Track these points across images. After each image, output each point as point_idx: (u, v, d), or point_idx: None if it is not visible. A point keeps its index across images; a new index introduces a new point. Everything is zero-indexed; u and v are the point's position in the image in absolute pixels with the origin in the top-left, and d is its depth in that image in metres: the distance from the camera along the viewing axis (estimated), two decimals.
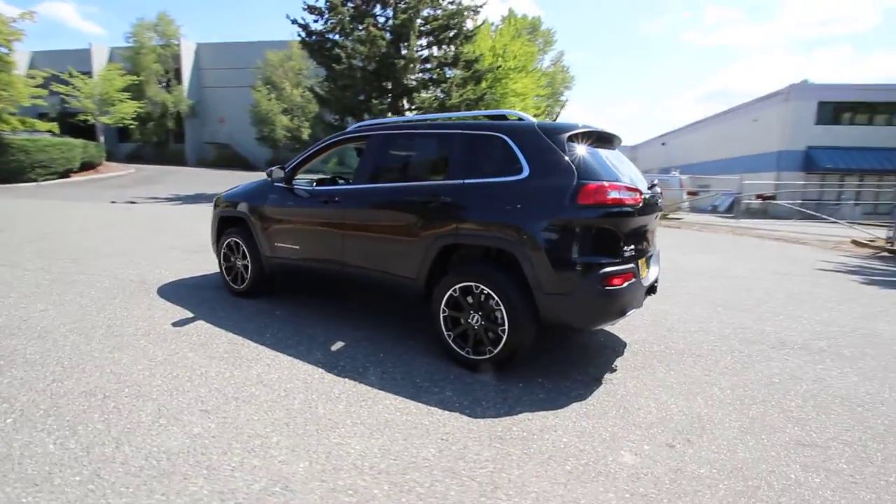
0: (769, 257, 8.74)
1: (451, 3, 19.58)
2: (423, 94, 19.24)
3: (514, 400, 2.65)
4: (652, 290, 3.25)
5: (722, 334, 3.98)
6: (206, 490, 1.83)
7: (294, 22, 18.42)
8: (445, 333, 3.07)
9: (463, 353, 3.00)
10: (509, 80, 23.74)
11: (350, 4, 18.54)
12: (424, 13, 18.84)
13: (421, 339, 3.54)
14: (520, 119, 3.11)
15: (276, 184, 4.11)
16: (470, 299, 2.95)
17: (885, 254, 10.08)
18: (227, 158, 31.42)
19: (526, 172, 2.82)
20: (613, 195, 2.65)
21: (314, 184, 4.32)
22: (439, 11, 18.98)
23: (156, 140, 31.71)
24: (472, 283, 2.91)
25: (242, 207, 4.35)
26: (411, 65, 18.31)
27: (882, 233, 11.56)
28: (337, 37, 18.91)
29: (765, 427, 2.49)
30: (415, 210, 3.19)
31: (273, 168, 4.01)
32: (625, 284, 2.70)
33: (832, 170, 20.88)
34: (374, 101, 19.66)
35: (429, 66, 19.31)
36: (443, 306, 3.05)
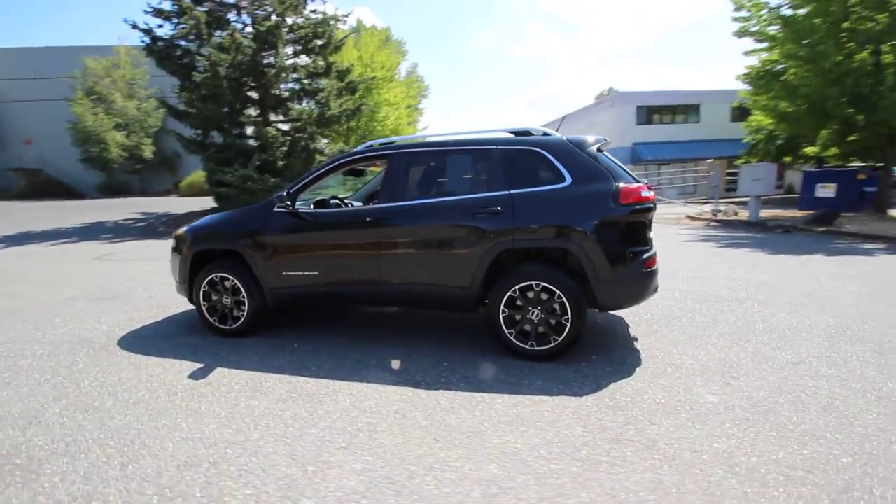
0: None
1: (314, 11, 19.11)
2: (298, 106, 18.49)
3: (594, 378, 3.05)
4: None
5: (676, 297, 4.94)
6: None
7: (134, 27, 16.11)
8: (507, 332, 3.33)
9: (527, 346, 3.30)
10: (381, 90, 24.06)
11: (201, 8, 16.89)
12: (290, 21, 18.09)
13: (463, 343, 3.73)
14: (545, 134, 3.53)
15: (277, 209, 3.85)
16: (530, 296, 3.26)
17: (714, 223, 12.98)
18: (41, 186, 25.81)
19: (569, 180, 3.24)
20: (644, 194, 3.23)
21: (311, 206, 4.16)
22: (302, 20, 18.39)
23: None
24: (533, 282, 3.23)
25: (232, 239, 3.96)
26: (283, 73, 17.44)
27: (706, 207, 14.81)
28: (191, 43, 17.10)
29: (766, 358, 3.31)
30: (465, 221, 3.37)
31: (281, 193, 3.75)
32: (656, 266, 3.31)
33: (652, 161, 25.81)
34: (243, 113, 18.29)
35: (299, 76, 18.57)
36: (502, 307, 3.31)
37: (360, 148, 3.92)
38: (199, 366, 3.43)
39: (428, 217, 3.48)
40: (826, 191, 14.14)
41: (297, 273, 3.78)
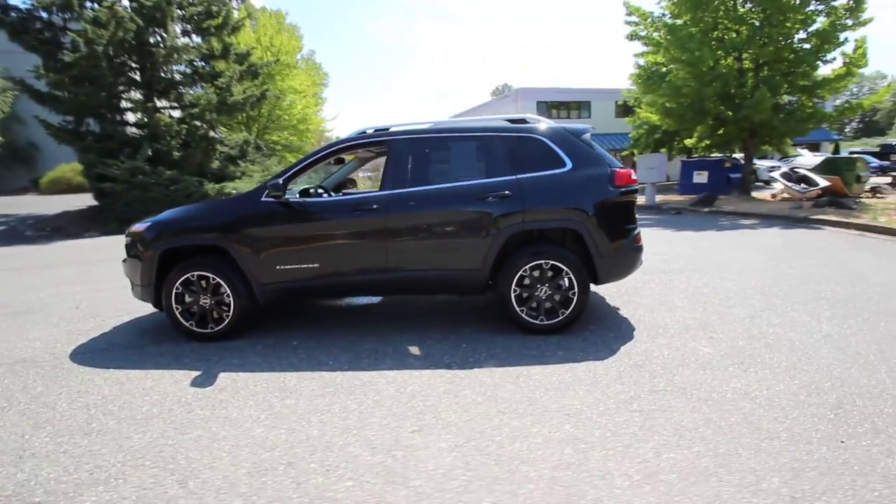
0: None
1: None
2: (196, 91, 16.77)
3: (603, 344, 3.36)
4: None
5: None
6: (545, 480, 1.97)
7: None
8: (518, 309, 3.51)
9: (537, 321, 3.51)
10: (285, 76, 22.70)
11: None
12: None
13: (468, 324, 3.84)
14: (538, 121, 3.74)
15: (266, 199, 3.58)
16: (537, 275, 3.48)
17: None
18: None
19: (569, 165, 3.49)
20: (633, 176, 3.61)
21: (297, 196, 3.93)
22: None
23: None
24: (542, 261, 3.44)
25: (213, 234, 3.60)
26: (174, 54, 15.69)
27: None
28: (55, 16, 14.62)
29: (726, 315, 3.91)
30: (475, 206, 3.47)
31: (274, 182, 3.47)
32: (642, 241, 3.72)
33: None
34: (124, 98, 16.16)
35: (192, 58, 16.79)
36: (513, 286, 3.48)
37: (353, 134, 3.79)
38: (196, 373, 3.11)
39: (438, 203, 3.52)
40: (700, 177, 16.52)
41: (294, 266, 3.57)
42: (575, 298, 3.47)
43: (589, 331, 3.62)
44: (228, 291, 3.60)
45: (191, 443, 2.29)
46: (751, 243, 7.40)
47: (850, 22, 12.86)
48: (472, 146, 3.67)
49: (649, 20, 15.00)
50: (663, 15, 14.65)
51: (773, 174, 15.01)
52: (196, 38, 16.99)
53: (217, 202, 3.86)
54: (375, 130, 3.79)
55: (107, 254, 9.01)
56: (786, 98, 14.00)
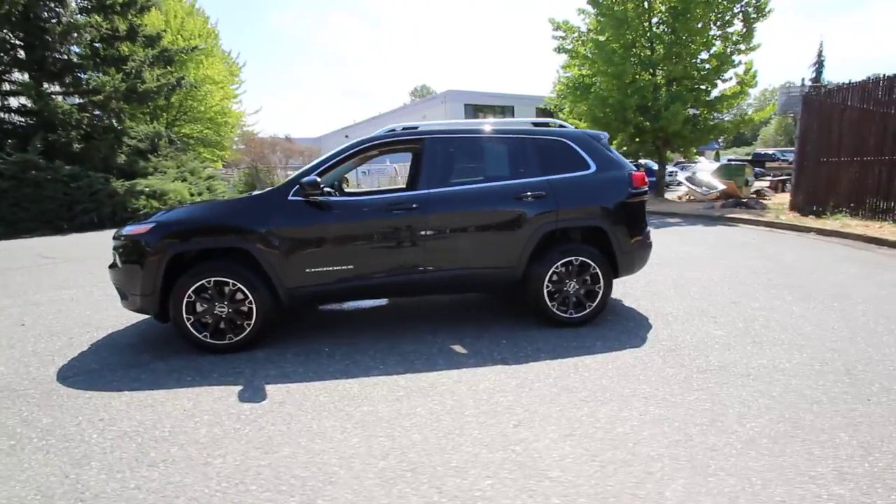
0: None
1: None
2: (100, 76, 14.86)
3: (632, 332, 3.63)
4: None
5: None
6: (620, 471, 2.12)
7: None
8: (550, 304, 3.67)
9: (566, 315, 3.70)
10: (199, 64, 20.92)
11: None
12: None
13: (496, 320, 3.93)
14: (561, 125, 3.92)
15: (293, 197, 3.35)
16: (567, 270, 3.67)
17: None
18: None
19: (593, 168, 3.72)
20: (647, 179, 3.93)
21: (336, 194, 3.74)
22: None
23: None
24: (573, 258, 3.64)
25: (234, 235, 3.29)
26: (73, 33, 13.81)
27: None
28: None
29: (715, 302, 4.41)
30: (512, 206, 3.55)
31: (310, 179, 3.25)
32: (651, 238, 4.06)
33: None
34: (5, 80, 13.95)
35: (92, 37, 14.85)
36: (546, 283, 3.63)
37: (383, 132, 3.68)
38: (236, 388, 2.85)
39: (477, 202, 3.55)
40: None
41: (326, 268, 3.39)
42: (601, 292, 3.72)
43: (610, 321, 3.88)
44: (250, 298, 3.32)
45: (288, 461, 2.12)
46: (689, 239, 8.32)
47: (742, 47, 14.88)
48: (504, 147, 3.76)
49: (576, 34, 16.13)
50: (588, 31, 15.85)
51: (680, 178, 16.94)
52: (97, 17, 15.00)
53: (232, 201, 3.54)
54: (404, 129, 3.72)
55: (10, 262, 7.71)
56: (691, 111, 15.84)
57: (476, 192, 3.58)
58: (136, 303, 3.37)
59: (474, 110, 29.32)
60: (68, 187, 13.00)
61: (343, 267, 3.41)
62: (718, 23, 14.78)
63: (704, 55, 15.38)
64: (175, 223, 3.33)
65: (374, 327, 3.91)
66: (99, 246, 9.26)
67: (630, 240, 3.78)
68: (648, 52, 15.17)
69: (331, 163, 3.52)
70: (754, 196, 15.48)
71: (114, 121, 15.50)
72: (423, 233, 3.46)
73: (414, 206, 3.44)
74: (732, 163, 20.55)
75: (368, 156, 3.71)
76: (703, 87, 15.37)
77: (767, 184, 19.40)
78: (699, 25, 14.49)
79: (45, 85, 14.18)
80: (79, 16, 14.37)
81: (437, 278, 3.56)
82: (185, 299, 3.27)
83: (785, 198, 13.17)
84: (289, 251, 3.33)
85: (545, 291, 3.64)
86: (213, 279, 3.27)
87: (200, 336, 3.33)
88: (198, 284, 3.26)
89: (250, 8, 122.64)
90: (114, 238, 3.49)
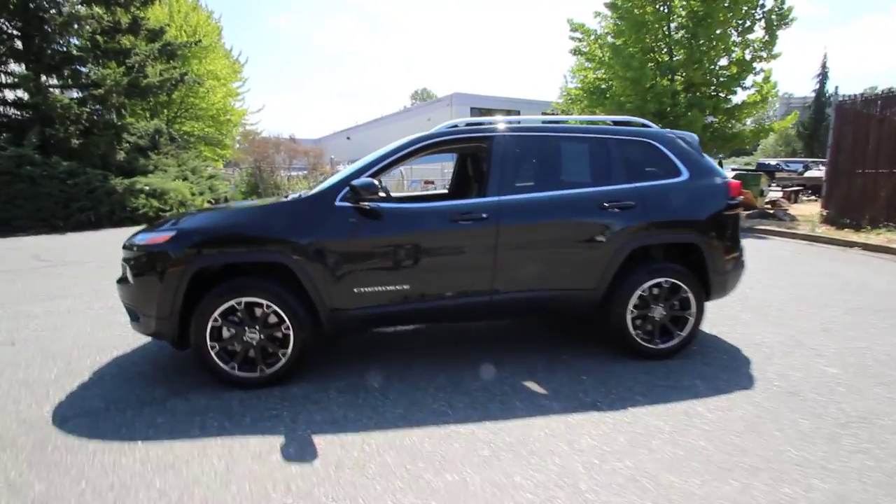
0: None
1: None
2: (101, 69, 14.27)
3: (730, 369, 3.10)
4: None
5: None
6: None
7: None
8: (633, 332, 3.14)
9: (652, 346, 3.17)
10: (202, 60, 20.38)
11: None
12: None
13: (560, 349, 3.39)
14: (644, 124, 3.41)
15: (342, 203, 2.81)
16: (654, 293, 3.14)
17: None
18: None
19: (686, 175, 3.21)
20: (740, 189, 3.42)
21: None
22: None
23: None
24: (662, 279, 3.11)
25: (274, 246, 2.74)
26: (73, 23, 13.23)
27: None
28: None
29: (805, 328, 3.88)
30: (594, 217, 3.03)
31: (365, 182, 2.71)
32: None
33: None
34: (2, 71, 13.38)
35: (94, 29, 14.27)
36: (630, 308, 3.10)
37: (443, 128, 3.15)
38: (276, 439, 2.30)
39: (556, 212, 3.02)
40: None
41: (378, 288, 2.84)
42: (692, 319, 3.19)
43: (698, 353, 3.36)
44: (287, 322, 2.77)
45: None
46: None
47: (764, 54, 14.50)
48: (583, 147, 3.22)
49: (593, 37, 15.72)
50: (606, 34, 15.44)
51: None
52: (99, 9, 14.40)
53: (266, 206, 3.01)
54: (468, 125, 3.20)
55: (1, 264, 7.11)
56: (709, 119, 15.44)
57: (555, 201, 3.04)
58: (150, 326, 2.81)
59: (480, 114, 28.91)
60: (65, 184, 12.37)
61: (398, 287, 2.87)
62: (739, 28, 14.40)
63: (724, 62, 15.00)
64: (200, 231, 2.78)
65: (424, 355, 3.36)
66: (97, 248, 8.67)
67: (726, 258, 3.26)
68: (667, 57, 14.76)
69: (387, 161, 2.98)
70: (778, 207, 15.06)
71: (114, 116, 14.90)
72: (494, 247, 2.92)
73: (484, 215, 2.90)
74: (749, 172, 20.15)
75: (424, 154, 3.17)
76: (721, 94, 14.96)
77: (781, 194, 19.05)
78: (719, 31, 14.11)
79: (44, 77, 13.59)
80: (80, 7, 13.77)
81: (509, 301, 3.02)
82: (210, 323, 2.72)
83: (803, 209, 12.77)
84: (335, 267, 2.78)
85: (629, 317, 3.11)
86: (244, 300, 2.72)
87: (227, 368, 2.77)
88: (226, 306, 2.71)
89: (249, 7, 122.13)
90: (124, 248, 2.93)
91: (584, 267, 3.06)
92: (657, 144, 3.24)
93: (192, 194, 14.74)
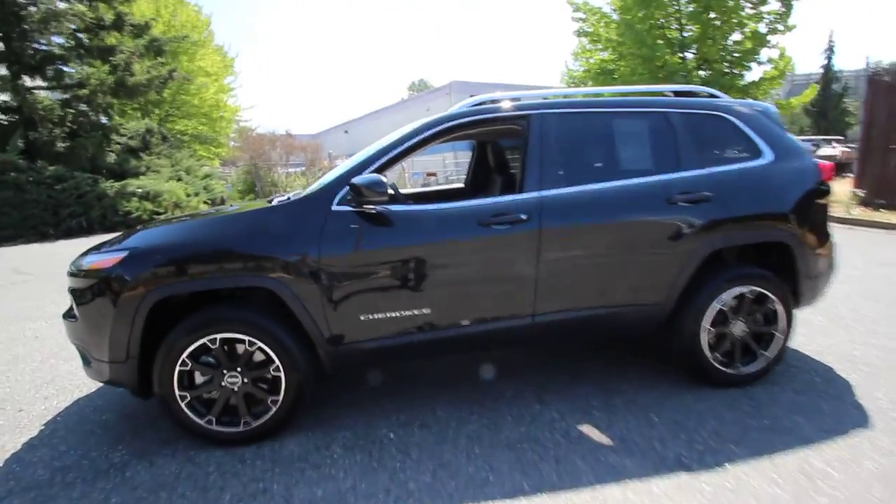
0: None
1: None
2: (85, 68, 13.61)
3: (831, 398, 2.49)
4: None
5: None
6: None
7: None
8: (709, 355, 2.52)
9: (732, 370, 2.55)
10: (192, 56, 19.69)
11: None
12: None
13: (627, 378, 2.77)
14: (711, 94, 2.76)
15: (340, 207, 2.19)
16: (733, 306, 2.52)
17: None
18: None
19: (770, 156, 2.56)
20: (833, 172, 2.76)
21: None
22: None
23: None
24: (746, 288, 2.48)
25: (252, 265, 2.13)
26: (52, 21, 12.56)
27: None
28: None
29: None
30: (661, 213, 2.40)
31: (372, 179, 2.09)
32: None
33: None
34: None
35: (75, 27, 13.59)
36: (705, 325, 2.48)
37: (464, 108, 2.53)
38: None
39: (612, 209, 2.38)
40: None
41: (391, 314, 2.23)
42: (782, 336, 2.57)
43: (781, 375, 2.73)
44: (276, 362, 2.17)
45: None
46: None
47: (779, 27, 13.70)
48: (643, 125, 2.56)
49: (597, 16, 14.92)
50: (613, 11, 14.64)
51: None
52: (80, 6, 13.70)
53: (241, 214, 2.40)
54: (492, 101, 2.57)
55: None
56: None
57: (611, 195, 2.40)
58: (103, 372, 2.22)
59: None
60: (53, 189, 11.81)
61: (416, 311, 2.25)
62: (755, 0, 13.58)
63: (737, 36, 14.21)
64: (159, 250, 2.16)
65: (447, 388, 2.75)
66: None
67: (819, 258, 2.63)
68: (677, 33, 13.99)
69: (395, 152, 2.34)
70: None
71: (101, 117, 14.29)
72: (536, 256, 2.30)
73: (523, 216, 2.27)
74: None
75: (440, 142, 2.54)
76: (735, 70, 14.20)
77: None
78: (731, 3, 13.32)
79: (24, 78, 12.95)
80: (60, 3, 13.08)
81: (558, 322, 2.40)
82: (178, 367, 2.12)
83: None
84: (333, 289, 2.17)
85: (704, 336, 2.49)
86: (218, 335, 2.12)
87: (202, 422, 2.18)
88: (197, 344, 2.11)
89: (239, 2, 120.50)
90: (69, 274, 2.32)
91: (648, 277, 2.44)
92: (732, 119, 2.59)
93: (187, 195, 14.14)
